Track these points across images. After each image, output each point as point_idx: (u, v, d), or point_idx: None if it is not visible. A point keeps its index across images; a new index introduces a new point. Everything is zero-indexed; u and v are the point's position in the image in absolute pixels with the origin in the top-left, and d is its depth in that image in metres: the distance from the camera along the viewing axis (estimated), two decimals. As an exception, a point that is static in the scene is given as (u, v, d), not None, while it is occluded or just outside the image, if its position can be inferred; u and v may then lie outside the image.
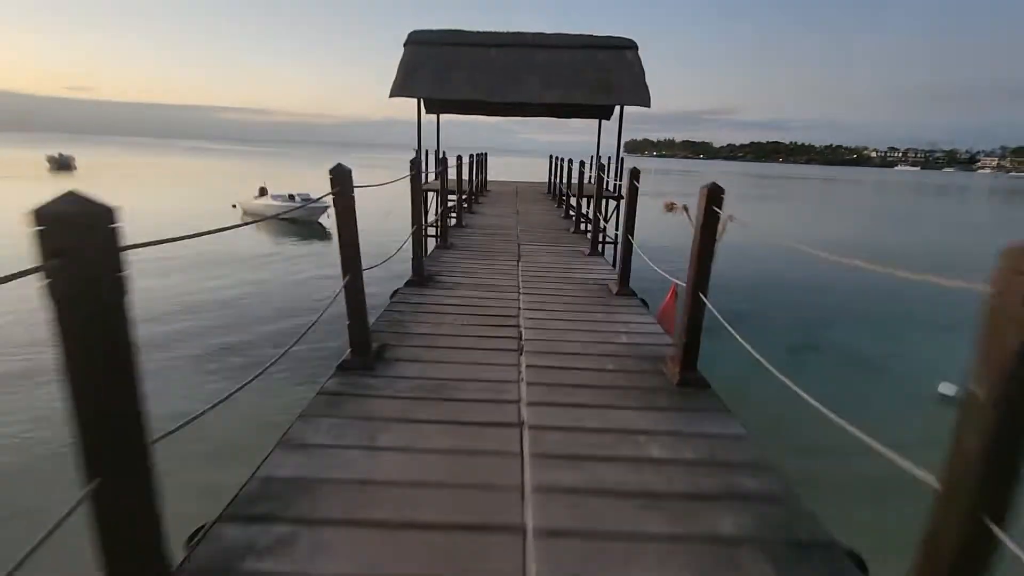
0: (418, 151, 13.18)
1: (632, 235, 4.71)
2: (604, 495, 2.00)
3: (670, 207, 2.76)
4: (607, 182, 14.39)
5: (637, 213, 4.82)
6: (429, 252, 6.39)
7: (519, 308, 4.31)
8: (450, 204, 12.64)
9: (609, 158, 14.57)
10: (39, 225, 0.97)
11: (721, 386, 2.90)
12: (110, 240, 1.06)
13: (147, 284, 10.27)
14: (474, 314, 4.13)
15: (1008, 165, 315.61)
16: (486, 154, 14.33)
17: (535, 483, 2.04)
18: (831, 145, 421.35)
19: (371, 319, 3.42)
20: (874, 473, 3.83)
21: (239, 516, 1.81)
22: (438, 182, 13.74)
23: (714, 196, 2.72)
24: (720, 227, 2.72)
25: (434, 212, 10.63)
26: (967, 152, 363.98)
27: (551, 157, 14.30)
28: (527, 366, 3.13)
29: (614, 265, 6.22)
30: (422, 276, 4.96)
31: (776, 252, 16.03)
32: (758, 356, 2.27)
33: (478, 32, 13.60)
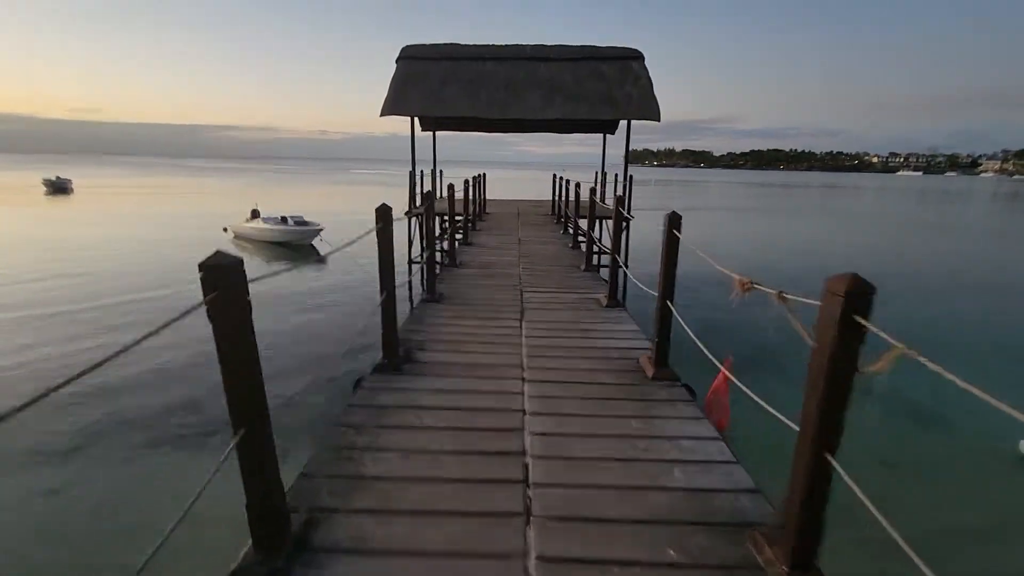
0: (412, 172, 12.39)
1: (672, 298, 3.60)
2: None
3: (746, 287, 1.86)
4: (611, 196, 13.60)
5: (639, 232, 3.83)
6: (415, 306, 5.38)
7: (524, 413, 3.05)
8: (447, 226, 11.79)
9: (616, 174, 13.77)
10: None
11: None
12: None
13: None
14: (460, 428, 2.88)
15: (1011, 168, 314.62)
16: (484, 175, 13.51)
17: None
18: (832, 152, 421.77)
19: (305, 459, 2.49)
20: None
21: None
22: (442, 200, 12.99)
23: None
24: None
25: (427, 242, 9.83)
26: (969, 156, 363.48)
27: (554, 177, 13.45)
28: (538, 558, 1.94)
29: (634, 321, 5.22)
30: (395, 356, 3.74)
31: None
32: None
33: (474, 45, 12.88)
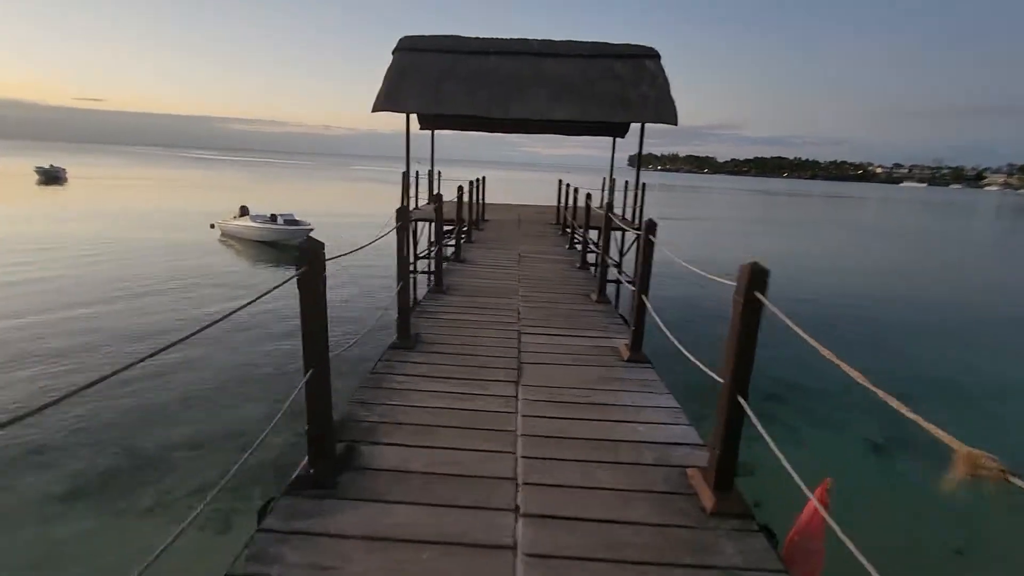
0: (406, 174, 11.42)
1: (746, 395, 2.29)
2: None
3: (981, 471, 0.95)
4: (620, 206, 12.58)
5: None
6: (382, 356, 3.98)
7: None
8: (443, 234, 10.74)
9: (627, 181, 12.81)
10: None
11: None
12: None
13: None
14: None
15: (1015, 183, 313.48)
16: (484, 178, 12.52)
17: None
18: (836, 161, 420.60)
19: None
20: None
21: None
22: (430, 207, 11.95)
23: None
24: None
25: (400, 272, 8.72)
26: (973, 169, 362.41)
27: (560, 184, 12.46)
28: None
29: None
30: (332, 467, 2.49)
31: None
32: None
33: (476, 38, 11.90)
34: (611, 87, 11.21)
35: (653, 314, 3.76)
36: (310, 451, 2.39)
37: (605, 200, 15.09)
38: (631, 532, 2.18)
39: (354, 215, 26.43)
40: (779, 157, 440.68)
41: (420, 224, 11.85)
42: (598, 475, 2.59)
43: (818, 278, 17.14)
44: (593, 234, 9.86)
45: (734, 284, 2.19)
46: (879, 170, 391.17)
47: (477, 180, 11.12)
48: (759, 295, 2.08)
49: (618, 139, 16.94)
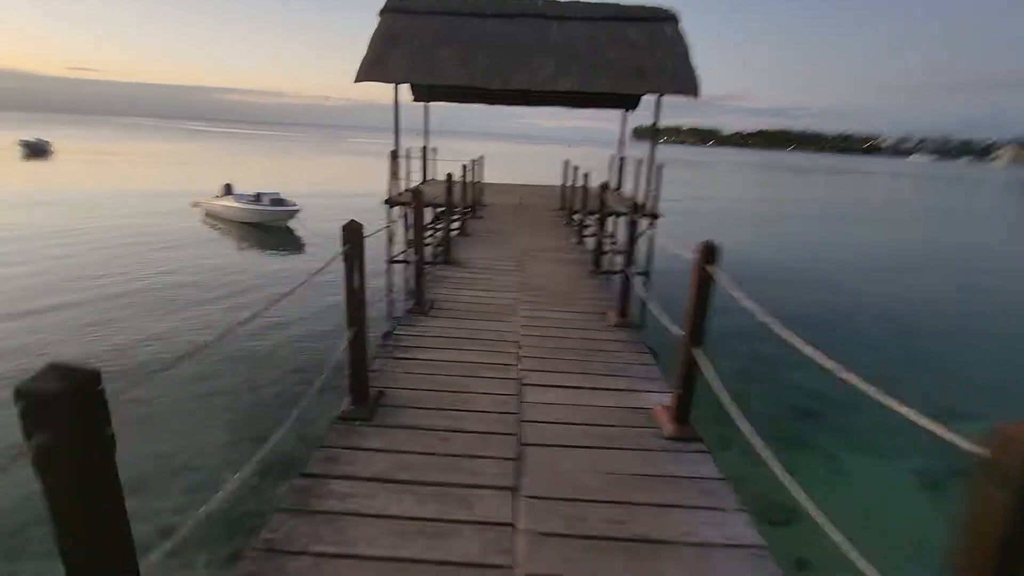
0: (395, 152, 10.29)
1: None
2: None
3: None
4: (633, 190, 11.38)
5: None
6: (337, 416, 2.89)
7: None
8: (427, 228, 9.68)
9: (639, 160, 11.67)
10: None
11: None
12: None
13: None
14: None
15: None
16: (482, 158, 11.35)
17: None
18: (843, 134, 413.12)
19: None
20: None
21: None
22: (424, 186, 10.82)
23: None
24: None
25: (351, 320, 7.64)
26: (982, 142, 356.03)
27: (565, 166, 11.25)
28: None
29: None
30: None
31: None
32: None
33: (474, -2, 10.61)
34: (624, 55, 10.00)
35: (711, 375, 2.53)
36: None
37: (614, 181, 13.89)
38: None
39: (342, 194, 25.01)
40: (785, 131, 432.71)
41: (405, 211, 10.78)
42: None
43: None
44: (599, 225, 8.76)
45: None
46: (886, 143, 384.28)
47: (473, 161, 9.93)
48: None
49: (622, 111, 15.73)
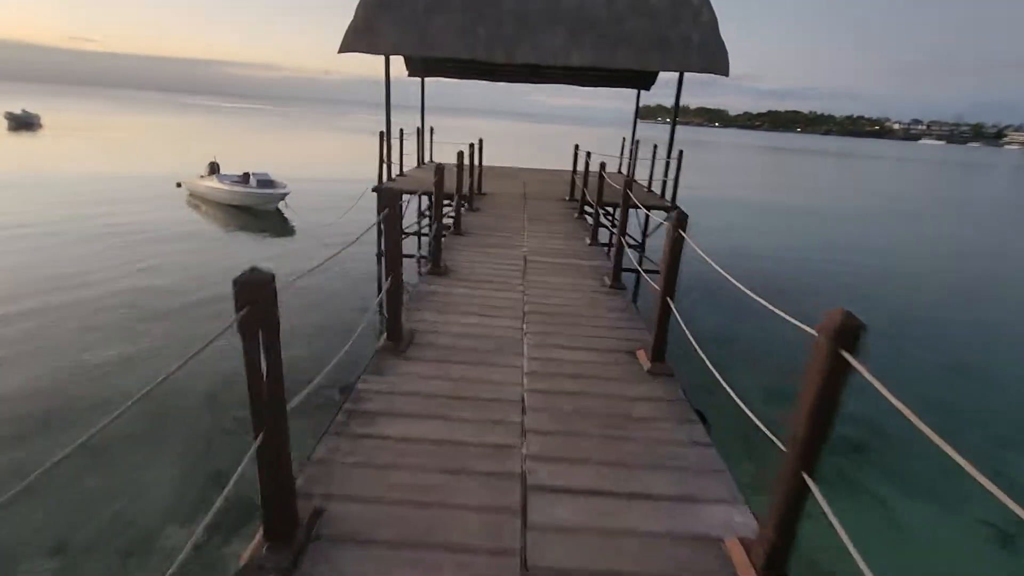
0: (386, 133, 9.22)
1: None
2: None
3: None
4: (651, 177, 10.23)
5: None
6: (313, 454, 2.35)
7: None
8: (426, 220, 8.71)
9: (655, 146, 10.60)
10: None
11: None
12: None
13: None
14: None
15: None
16: (481, 141, 10.23)
17: None
18: (852, 116, 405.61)
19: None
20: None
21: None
22: (418, 173, 9.74)
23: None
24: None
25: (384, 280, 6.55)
26: (994, 126, 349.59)
27: (575, 151, 10.10)
28: None
29: None
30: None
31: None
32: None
33: (476, -43, 9.38)
34: (644, 25, 8.83)
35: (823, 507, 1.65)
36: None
37: (627, 169, 12.77)
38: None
39: (332, 177, 23.53)
40: (793, 111, 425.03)
41: (407, 198, 9.73)
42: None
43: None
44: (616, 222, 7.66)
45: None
46: (896, 126, 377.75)
47: (471, 145, 8.80)
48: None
49: (620, 89, 14.51)
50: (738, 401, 2.31)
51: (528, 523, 2.06)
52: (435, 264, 4.82)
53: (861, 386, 1.59)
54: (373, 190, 9.12)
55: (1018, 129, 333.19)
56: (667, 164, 9.77)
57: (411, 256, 8.39)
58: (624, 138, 14.18)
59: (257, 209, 15.58)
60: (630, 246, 4.69)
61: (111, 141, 36.07)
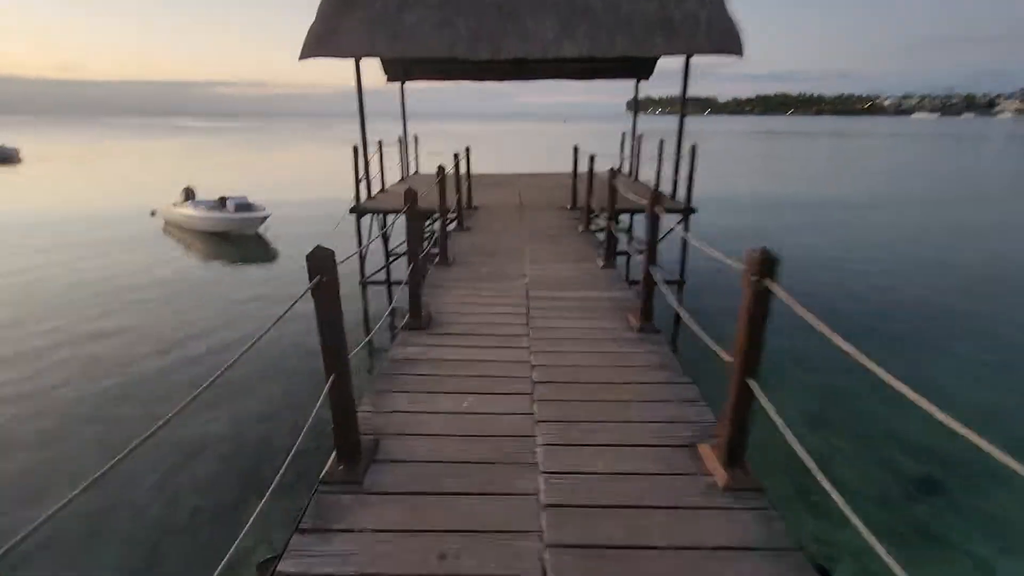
0: (361, 149, 8.24)
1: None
2: None
3: None
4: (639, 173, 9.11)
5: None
6: None
7: None
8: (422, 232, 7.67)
9: (661, 140, 9.60)
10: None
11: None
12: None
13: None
14: None
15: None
16: (468, 149, 9.15)
17: None
18: (842, 95, 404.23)
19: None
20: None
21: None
22: (398, 188, 8.61)
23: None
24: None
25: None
26: (985, 96, 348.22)
27: (575, 153, 8.99)
28: None
29: None
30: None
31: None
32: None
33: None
34: (644, 6, 7.82)
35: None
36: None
37: (628, 167, 11.70)
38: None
39: (313, 198, 22.12)
40: (783, 94, 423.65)
41: (384, 217, 8.70)
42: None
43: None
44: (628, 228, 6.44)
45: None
46: (888, 102, 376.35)
47: (457, 156, 7.68)
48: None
49: (616, 81, 13.46)
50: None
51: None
52: (414, 314, 3.77)
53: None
54: (351, 211, 8.12)
55: (1010, 97, 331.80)
56: (677, 160, 8.76)
57: (395, 282, 7.36)
58: (624, 133, 13.16)
59: (236, 235, 14.57)
60: (667, 282, 3.58)
61: (90, 171, 35.06)
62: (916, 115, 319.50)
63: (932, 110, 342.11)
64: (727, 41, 7.47)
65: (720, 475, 2.23)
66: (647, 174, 11.57)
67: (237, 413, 5.39)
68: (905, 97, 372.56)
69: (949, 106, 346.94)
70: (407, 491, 2.21)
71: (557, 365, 3.29)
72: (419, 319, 3.79)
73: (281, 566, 1.82)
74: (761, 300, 2.04)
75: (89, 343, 7.38)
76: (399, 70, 11.11)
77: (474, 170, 9.48)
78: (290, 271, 11.28)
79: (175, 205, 15.84)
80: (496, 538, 1.97)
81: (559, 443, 2.53)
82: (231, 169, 35.30)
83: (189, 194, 16.05)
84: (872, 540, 1.54)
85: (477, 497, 2.18)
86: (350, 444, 2.29)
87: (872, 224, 16.69)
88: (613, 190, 5.27)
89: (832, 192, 23.70)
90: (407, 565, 1.84)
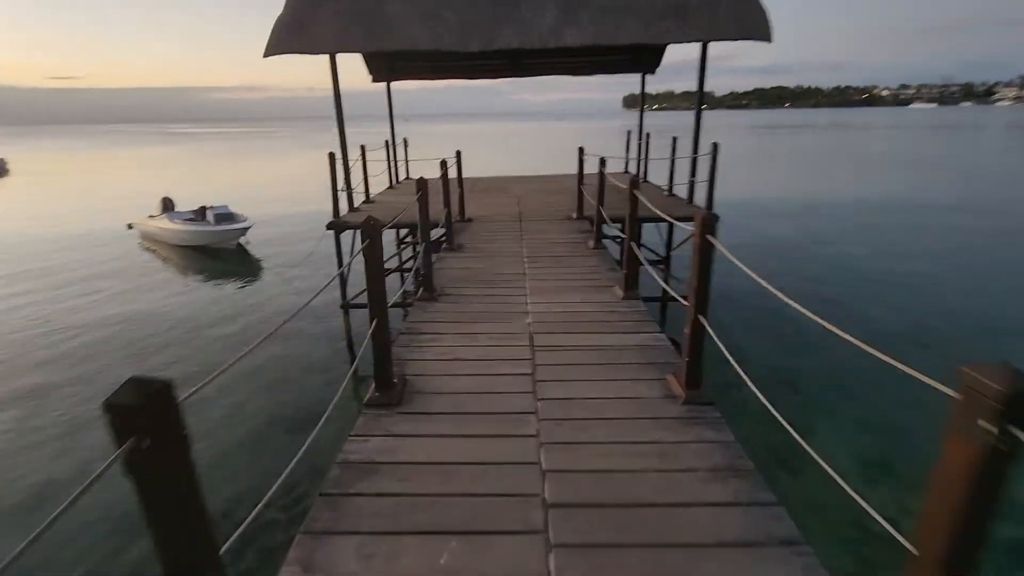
0: (341, 157, 7.32)
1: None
2: None
3: None
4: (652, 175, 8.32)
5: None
6: None
7: None
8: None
9: (675, 138, 8.69)
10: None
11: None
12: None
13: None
14: None
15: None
16: (459, 154, 8.16)
17: None
18: (839, 86, 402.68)
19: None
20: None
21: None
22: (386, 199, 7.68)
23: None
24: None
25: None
26: (983, 84, 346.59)
27: (580, 153, 7.98)
28: None
29: None
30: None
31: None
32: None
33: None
34: (655, -12, 6.87)
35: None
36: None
37: (636, 167, 10.75)
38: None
39: (299, 208, 20.74)
40: (780, 87, 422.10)
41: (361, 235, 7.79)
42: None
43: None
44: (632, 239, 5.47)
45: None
46: (885, 93, 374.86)
47: (444, 163, 6.68)
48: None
49: (611, 77, 12.50)
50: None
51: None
52: (381, 385, 2.79)
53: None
54: (328, 227, 7.20)
55: (1007, 84, 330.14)
56: (694, 160, 7.83)
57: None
58: (629, 132, 12.22)
59: (216, 248, 13.65)
60: (709, 332, 2.62)
61: (78, 183, 34.09)
62: (914, 105, 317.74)
63: (930, 100, 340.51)
64: (753, 25, 6.54)
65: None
66: (654, 175, 10.66)
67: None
68: (902, 87, 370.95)
69: (947, 95, 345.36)
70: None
71: (578, 470, 2.31)
72: (388, 392, 2.81)
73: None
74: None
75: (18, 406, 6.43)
76: (384, 68, 10.18)
77: (467, 174, 8.50)
78: (273, 295, 10.04)
79: (152, 217, 14.93)
80: None
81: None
82: (220, 176, 34.40)
83: (168, 204, 15.13)
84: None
85: None
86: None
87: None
88: (635, 201, 4.32)
89: (877, 192, 21.23)
90: None
